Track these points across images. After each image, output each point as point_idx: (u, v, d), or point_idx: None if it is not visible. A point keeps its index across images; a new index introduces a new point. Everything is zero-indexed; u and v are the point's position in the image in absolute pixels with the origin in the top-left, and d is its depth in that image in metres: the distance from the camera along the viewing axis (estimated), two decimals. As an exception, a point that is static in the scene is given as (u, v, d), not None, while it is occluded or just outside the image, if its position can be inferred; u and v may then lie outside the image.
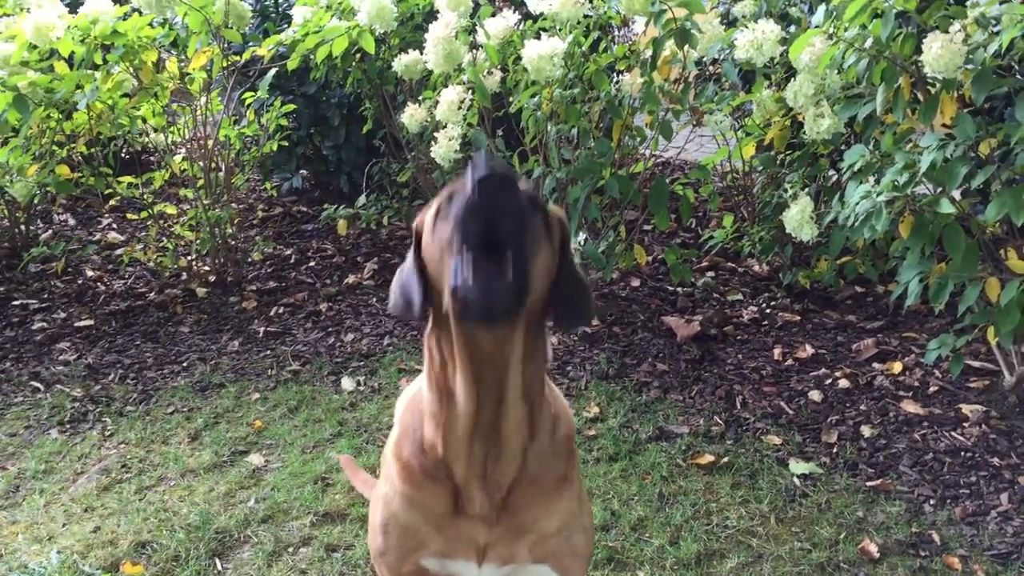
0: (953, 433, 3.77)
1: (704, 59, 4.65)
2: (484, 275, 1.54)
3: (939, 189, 3.46)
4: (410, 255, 1.80)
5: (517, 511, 1.89)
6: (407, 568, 1.98)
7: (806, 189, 4.51)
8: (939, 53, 3.19)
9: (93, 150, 5.48)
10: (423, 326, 1.82)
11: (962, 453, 3.64)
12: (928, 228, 3.51)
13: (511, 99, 4.60)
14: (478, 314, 1.59)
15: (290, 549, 3.19)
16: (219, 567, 3.10)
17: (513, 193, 1.56)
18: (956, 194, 3.50)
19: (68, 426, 4.16)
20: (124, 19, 4.77)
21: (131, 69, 4.95)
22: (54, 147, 5.19)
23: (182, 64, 5.26)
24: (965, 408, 3.93)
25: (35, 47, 4.74)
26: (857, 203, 3.55)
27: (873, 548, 3.09)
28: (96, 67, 4.87)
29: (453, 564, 1.95)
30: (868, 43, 3.52)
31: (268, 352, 4.86)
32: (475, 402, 1.77)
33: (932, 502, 3.37)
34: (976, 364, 4.23)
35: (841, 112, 3.88)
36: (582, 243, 4.39)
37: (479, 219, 1.53)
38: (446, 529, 1.91)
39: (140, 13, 4.76)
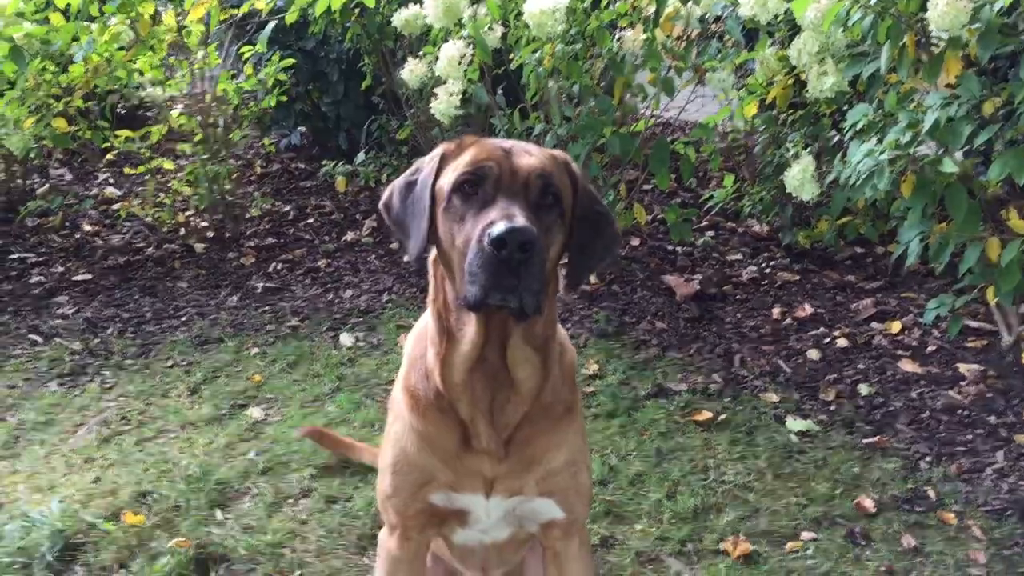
0: (950, 392, 3.79)
1: (707, 16, 4.61)
2: (498, 295, 1.64)
3: (942, 149, 3.45)
4: (425, 184, 1.82)
5: (526, 443, 1.92)
6: (415, 507, 2.00)
7: (808, 148, 4.49)
8: (944, 10, 3.16)
9: (90, 104, 5.44)
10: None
11: (959, 411, 3.66)
12: (930, 188, 3.51)
13: (512, 55, 4.57)
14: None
15: (290, 500, 3.22)
16: (219, 517, 3.12)
17: (529, 252, 1.60)
18: (958, 154, 3.48)
19: (67, 379, 4.16)
20: (121, -31, 4.71)
21: (128, 21, 4.90)
22: (50, 100, 5.15)
23: (179, 17, 5.20)
24: (962, 367, 3.95)
25: (31, -2, 4.69)
26: (859, 162, 3.54)
27: (869, 503, 3.12)
28: (93, 19, 4.82)
29: (461, 498, 1.97)
30: (873, 0, 3.49)
31: (267, 308, 4.86)
32: (479, 351, 1.79)
33: (928, 459, 3.39)
34: (974, 324, 4.25)
35: (845, 70, 3.85)
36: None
37: (492, 274, 1.61)
38: (454, 463, 1.93)
39: (137, -36, 4.70)
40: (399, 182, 1.92)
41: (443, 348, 1.84)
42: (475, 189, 1.73)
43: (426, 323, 1.95)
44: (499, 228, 1.58)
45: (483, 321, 1.76)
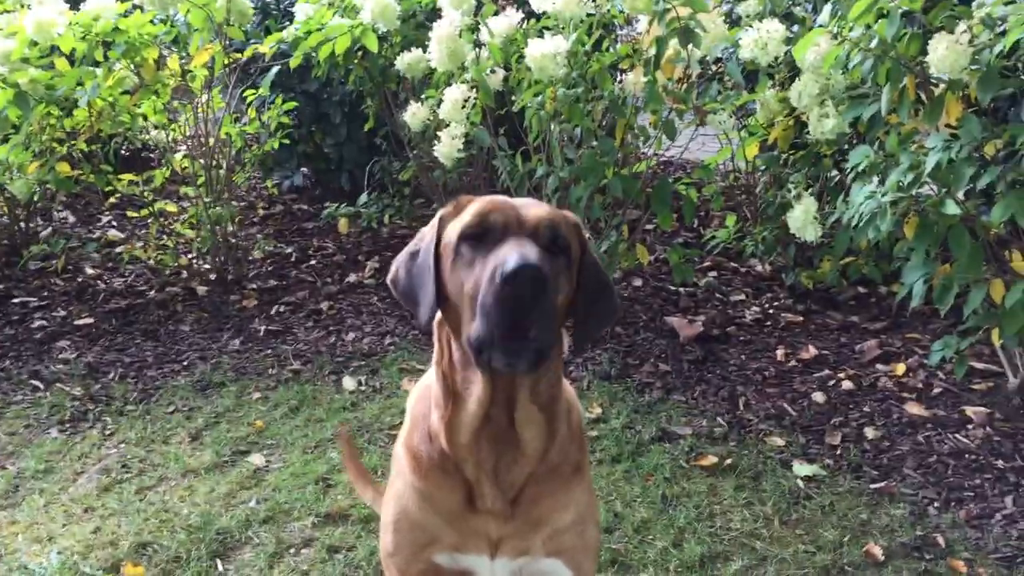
0: (957, 435, 3.76)
1: (708, 58, 4.63)
2: (508, 344, 1.60)
3: (944, 190, 3.44)
4: (428, 250, 1.80)
5: (533, 504, 1.88)
6: (417, 567, 1.97)
7: (809, 189, 4.50)
8: (944, 54, 3.17)
9: (94, 147, 5.46)
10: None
11: (966, 455, 3.63)
12: (933, 229, 3.50)
13: (514, 98, 4.58)
14: (500, 370, 1.65)
15: (292, 550, 3.18)
16: (220, 568, 3.08)
17: (540, 289, 1.57)
18: (961, 195, 3.48)
19: (68, 425, 4.14)
20: (126, 16, 4.75)
21: (132, 66, 4.93)
22: (54, 144, 5.17)
23: (183, 61, 5.24)
24: (969, 410, 3.91)
25: (36, 44, 4.73)
26: (861, 203, 3.54)
27: (878, 551, 3.07)
28: (97, 64, 4.85)
29: (465, 558, 1.94)
30: (873, 43, 3.51)
31: (269, 351, 4.84)
32: (485, 410, 1.77)
33: (936, 505, 3.35)
34: (980, 366, 4.22)
35: (846, 112, 3.86)
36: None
37: (504, 312, 1.57)
38: (458, 523, 1.90)
39: (142, 10, 4.75)
40: (403, 255, 1.89)
41: (448, 411, 1.82)
42: (483, 235, 1.70)
43: (429, 383, 1.93)
44: (512, 261, 1.55)
45: (490, 381, 1.74)
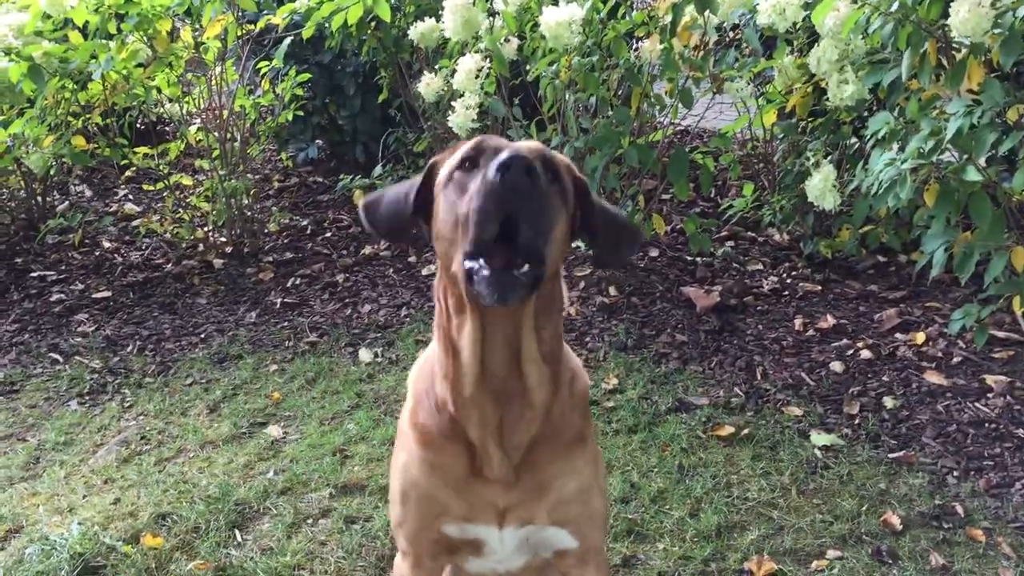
0: (977, 404, 3.73)
1: (724, 25, 4.58)
2: (499, 267, 1.55)
3: (965, 156, 3.39)
4: (414, 183, 1.79)
5: (536, 470, 1.88)
6: (427, 537, 1.98)
7: (828, 157, 4.45)
8: (966, 17, 3.11)
9: (108, 121, 5.45)
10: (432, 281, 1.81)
11: (986, 424, 3.60)
12: (954, 196, 3.45)
13: (528, 67, 4.55)
14: (490, 300, 1.58)
15: (309, 520, 3.20)
16: (239, 538, 3.11)
17: (534, 180, 1.54)
18: (982, 161, 3.43)
19: (87, 398, 4.17)
20: (138, -13, 4.73)
21: (145, 38, 4.92)
22: (69, 118, 5.18)
23: (196, 33, 5.22)
24: (989, 379, 3.88)
25: (49, 17, 4.72)
26: (881, 171, 3.49)
27: (896, 520, 3.06)
28: (110, 37, 4.84)
29: (474, 528, 1.94)
30: (894, 7, 3.44)
31: (285, 323, 4.86)
32: (479, 357, 1.75)
33: (955, 474, 3.33)
34: (1001, 334, 4.17)
35: (866, 78, 3.81)
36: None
37: (496, 210, 1.53)
38: (465, 492, 1.89)
39: (154, -18, 4.72)
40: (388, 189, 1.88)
41: (450, 367, 1.80)
42: (476, 161, 1.67)
43: (428, 356, 1.92)
44: (503, 155, 1.52)
45: (478, 317, 1.70)
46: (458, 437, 1.85)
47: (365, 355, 4.45)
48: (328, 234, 6.06)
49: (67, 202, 6.51)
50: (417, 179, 1.80)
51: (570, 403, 1.91)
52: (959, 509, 3.12)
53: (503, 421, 1.82)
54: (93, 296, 5.23)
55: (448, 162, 1.76)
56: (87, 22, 4.74)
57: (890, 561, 2.90)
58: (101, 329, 4.85)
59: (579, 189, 1.80)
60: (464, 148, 1.72)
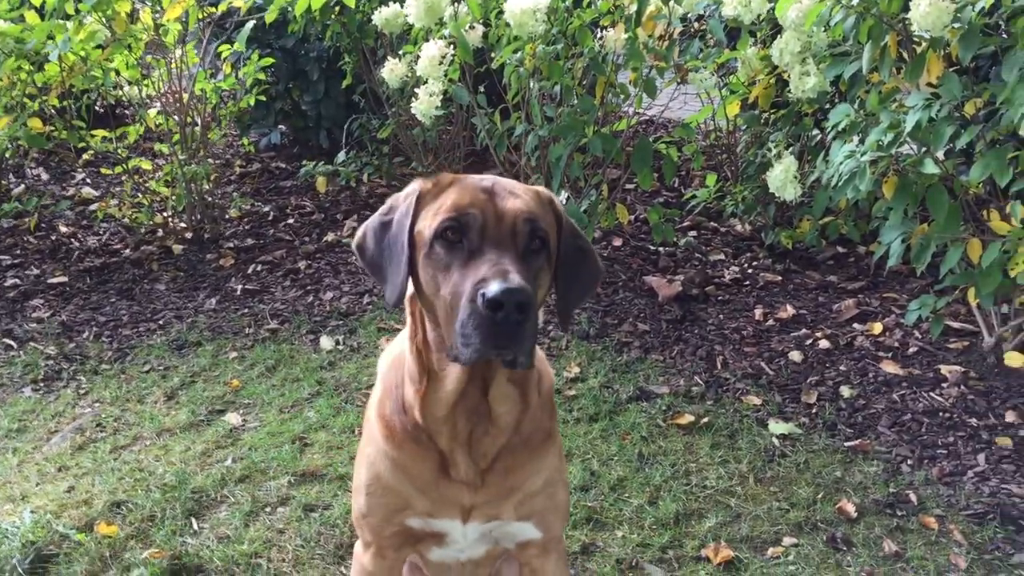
0: (932, 393, 3.78)
1: (689, 15, 4.58)
2: (494, 352, 1.59)
3: (923, 149, 3.43)
4: (401, 234, 1.75)
5: (505, 473, 1.89)
6: (390, 529, 1.98)
7: (790, 148, 4.49)
8: (927, 11, 3.14)
9: (66, 103, 5.36)
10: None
11: (940, 413, 3.65)
12: (912, 188, 3.49)
13: (493, 55, 4.53)
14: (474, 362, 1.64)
15: (267, 509, 3.17)
16: (195, 526, 3.08)
17: (525, 313, 1.54)
18: (940, 154, 3.47)
19: (42, 384, 4.11)
20: (96, -33, 4.64)
21: (104, 20, 4.82)
22: (26, 99, 5.07)
23: (156, 15, 5.13)
24: (944, 369, 3.94)
25: (4, -4, 4.62)
26: (841, 163, 3.53)
27: (851, 508, 3.10)
28: (68, 17, 4.74)
29: (437, 523, 1.94)
30: (855, 0, 3.47)
31: (246, 310, 4.81)
32: (462, 388, 1.76)
33: (910, 462, 3.38)
34: (956, 325, 4.24)
35: (827, 70, 3.83)
36: (564, 202, 4.34)
37: (485, 338, 1.55)
38: (431, 491, 1.90)
39: (112, -39, 4.63)
40: (373, 222, 1.84)
41: (423, 386, 1.80)
42: (459, 237, 1.65)
43: (401, 349, 1.91)
44: (494, 289, 1.52)
45: (469, 367, 1.73)
46: (425, 440, 1.85)
47: (326, 343, 4.42)
48: (290, 220, 6.00)
49: (23, 185, 6.38)
50: (403, 215, 1.76)
51: (539, 405, 1.91)
52: (912, 497, 3.16)
53: (472, 433, 1.82)
54: (49, 281, 5.14)
55: (428, 214, 1.72)
56: (44, 2, 4.64)
57: (844, 548, 2.94)
58: (57, 315, 4.77)
59: (558, 223, 1.80)
60: (446, 211, 1.68)
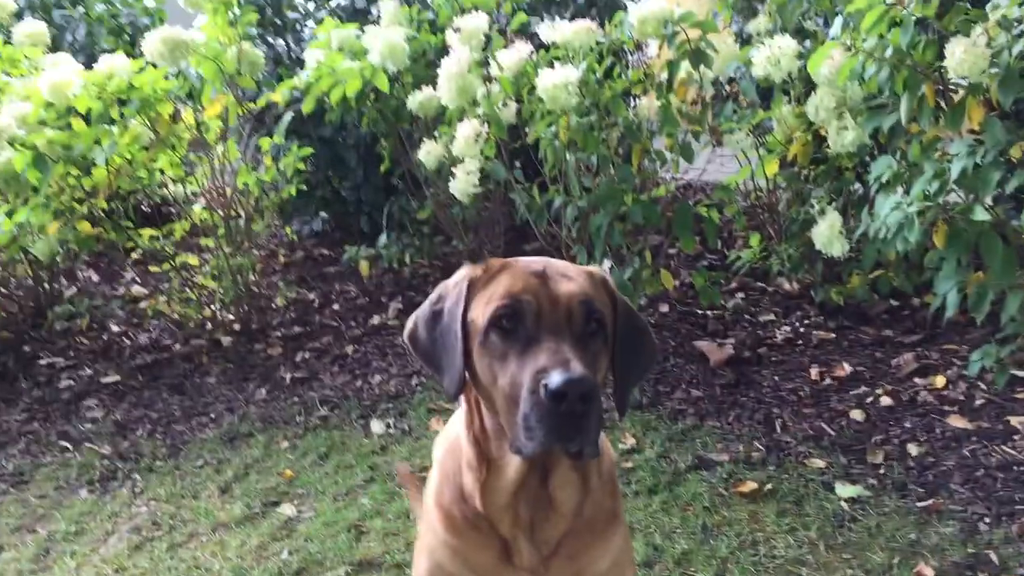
0: (1004, 447, 3.64)
1: (720, 78, 4.60)
2: (559, 444, 1.56)
3: (971, 196, 3.37)
4: (454, 323, 1.73)
5: (569, 558, 1.83)
6: None
7: (833, 203, 4.43)
8: (963, 57, 3.12)
9: (113, 204, 5.47)
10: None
11: (1014, 467, 3.51)
12: (963, 236, 3.43)
13: (527, 130, 4.56)
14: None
15: (326, 601, 3.11)
16: (254, 624, 3.02)
17: (589, 403, 1.52)
18: (989, 200, 3.40)
19: (98, 484, 4.11)
20: (139, 73, 4.78)
21: (147, 122, 4.96)
22: (74, 204, 5.19)
23: (197, 114, 5.26)
24: (1014, 420, 3.80)
25: (51, 105, 4.77)
26: (887, 215, 3.48)
27: (929, 572, 2.96)
28: (112, 122, 4.88)
29: None
30: (888, 52, 3.46)
31: (295, 398, 4.81)
32: (524, 477, 1.73)
33: (987, 520, 3.24)
34: (1022, 374, 4.09)
35: (865, 123, 3.81)
36: (608, 271, 4.30)
37: (550, 430, 1.53)
38: None
39: (155, 66, 4.77)
40: (423, 312, 1.83)
41: (483, 475, 1.77)
42: (514, 324, 1.63)
43: (457, 434, 1.87)
44: (557, 380, 1.49)
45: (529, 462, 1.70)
46: (486, 527, 1.82)
47: (377, 427, 4.39)
48: (335, 306, 6.04)
49: (74, 288, 6.51)
50: (454, 304, 1.75)
51: (600, 487, 1.87)
52: (993, 557, 3.02)
53: (533, 520, 1.79)
54: (102, 381, 5.19)
55: (480, 302, 1.71)
56: (89, 109, 4.78)
57: (927, 615, 2.80)
58: (111, 414, 4.80)
59: (613, 302, 1.78)
60: (499, 299, 1.66)
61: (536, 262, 1.74)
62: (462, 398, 1.81)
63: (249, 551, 3.45)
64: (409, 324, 1.84)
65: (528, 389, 1.54)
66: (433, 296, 1.83)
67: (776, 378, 4.45)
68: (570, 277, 1.70)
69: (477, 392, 1.74)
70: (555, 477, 1.75)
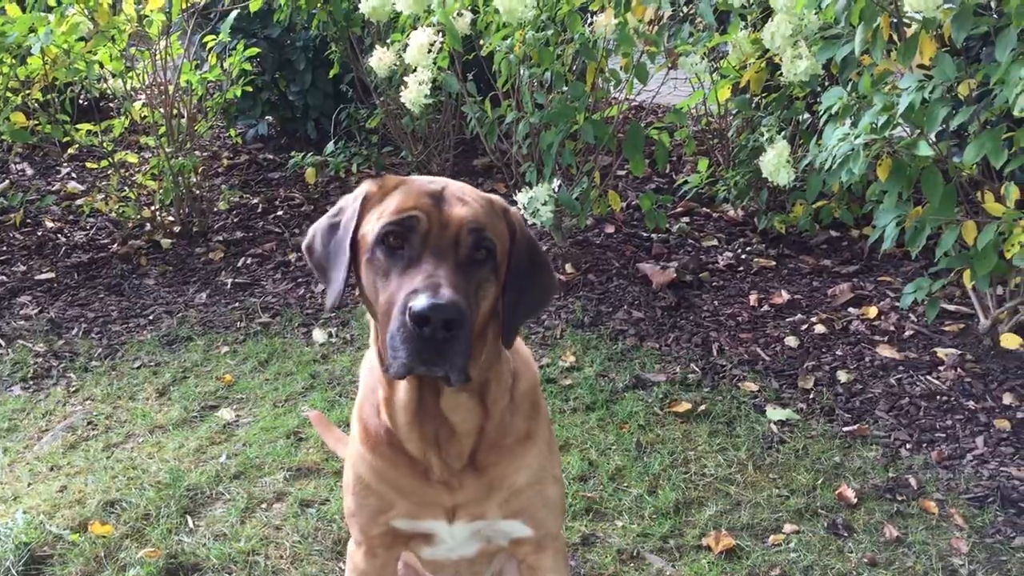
0: (929, 377, 3.77)
1: (679, -1, 4.55)
2: (423, 367, 1.57)
3: (917, 131, 3.41)
4: (345, 238, 1.71)
5: (482, 471, 1.86)
6: (377, 529, 1.96)
7: (782, 132, 4.45)
8: (920, -9, 3.12)
9: (49, 97, 5.28)
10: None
11: (938, 397, 3.64)
12: (906, 171, 3.48)
13: (482, 42, 4.48)
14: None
15: (263, 505, 3.14)
16: (191, 524, 3.04)
17: (454, 330, 1.51)
18: (933, 137, 3.45)
19: (31, 382, 4.06)
20: (77, -42, 4.57)
21: (86, 11, 4.75)
22: (8, 94, 5.00)
23: (139, 6, 5.06)
24: (940, 352, 3.93)
25: (-16, -11, 4.55)
26: (834, 146, 3.50)
27: (850, 493, 3.09)
28: (49, 9, 4.67)
29: (422, 524, 1.93)
30: (848, -19, 3.44)
31: (236, 304, 4.76)
32: (415, 394, 1.74)
33: (908, 446, 3.37)
34: (951, 308, 4.22)
35: (819, 53, 3.80)
36: (556, 190, 4.30)
37: (415, 351, 1.53)
38: (411, 493, 1.88)
39: (94, -48, 4.56)
40: (322, 223, 1.80)
41: (387, 390, 1.79)
42: (400, 242, 1.61)
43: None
44: (421, 303, 1.48)
45: (413, 377, 1.70)
46: (399, 444, 1.83)
47: (319, 336, 4.38)
48: (280, 212, 5.95)
49: (8, 181, 6.31)
50: (348, 219, 1.73)
51: (511, 408, 1.88)
52: (912, 481, 3.16)
53: (439, 438, 1.80)
54: (36, 278, 5.08)
55: (372, 217, 1.68)
56: (25, -5, 4.57)
57: (845, 534, 2.92)
58: (45, 312, 4.71)
59: (512, 234, 1.75)
60: (389, 214, 1.64)
61: (435, 182, 1.70)
62: (367, 315, 1.80)
63: (187, 453, 3.46)
64: (308, 234, 1.82)
65: (398, 309, 1.53)
66: (334, 209, 1.81)
67: (716, 303, 4.52)
68: (466, 202, 1.66)
69: (367, 310, 1.73)
70: (444, 399, 1.76)
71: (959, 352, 3.90)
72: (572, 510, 3.03)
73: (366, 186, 1.75)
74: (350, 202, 1.76)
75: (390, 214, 1.63)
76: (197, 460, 3.42)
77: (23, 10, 4.69)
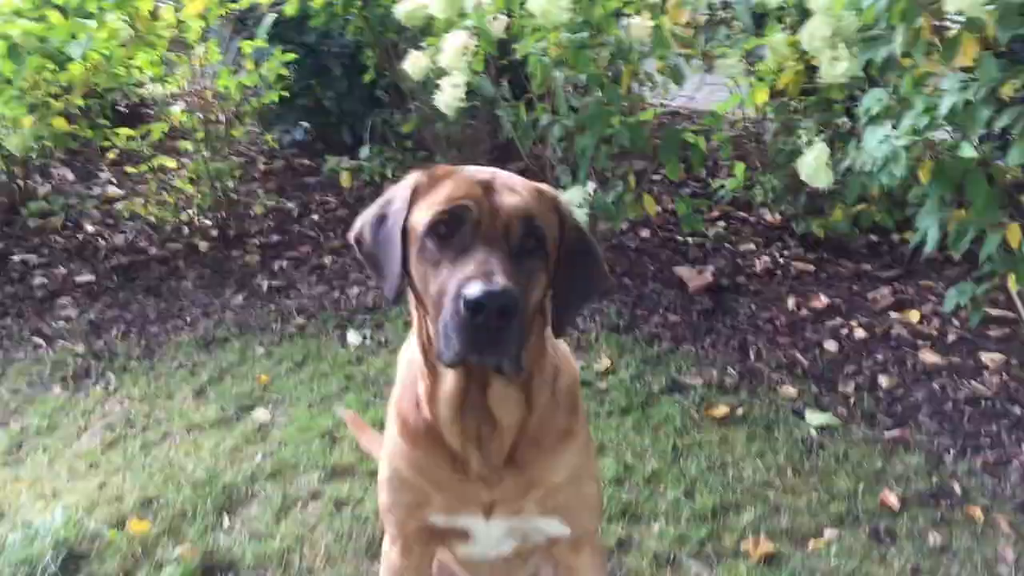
0: (973, 382, 3.71)
1: (715, 2, 4.52)
2: (475, 357, 1.56)
3: (960, 133, 3.36)
4: (395, 229, 1.70)
5: (522, 468, 1.84)
6: (413, 525, 1.95)
7: (820, 135, 4.40)
8: (963, -9, 3.07)
9: (90, 102, 5.34)
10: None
11: (982, 402, 3.58)
12: (948, 173, 3.42)
13: (517, 45, 4.47)
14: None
15: (298, 504, 3.15)
16: (227, 522, 3.06)
17: (507, 318, 1.50)
18: (976, 138, 3.39)
19: (71, 382, 4.09)
20: (118, -35, 4.63)
21: (126, 17, 4.81)
22: (49, 99, 5.06)
23: (178, 12, 5.11)
24: (984, 356, 3.86)
25: (28, -5, 4.61)
26: (875, 148, 3.45)
27: (893, 499, 3.04)
28: (90, 16, 4.73)
29: (459, 519, 1.91)
30: (888, -19, 3.40)
31: (272, 306, 4.79)
32: (462, 386, 1.72)
33: (952, 452, 3.31)
34: (995, 312, 4.15)
35: (859, 55, 3.76)
36: (591, 193, 4.28)
37: (467, 340, 1.52)
38: (448, 488, 1.87)
39: (134, -41, 4.62)
40: (369, 214, 1.79)
41: (430, 383, 1.77)
42: (451, 231, 1.60)
43: (415, 342, 1.87)
44: (475, 291, 1.46)
45: (462, 368, 1.69)
46: (439, 438, 1.82)
47: (353, 337, 4.39)
48: (315, 216, 5.98)
49: (48, 185, 6.39)
50: (398, 210, 1.72)
51: (552, 404, 1.86)
52: (956, 487, 3.10)
53: (480, 432, 1.78)
54: (76, 280, 5.13)
55: (422, 208, 1.67)
56: (66, 1, 4.63)
57: (888, 540, 2.88)
58: (85, 313, 4.76)
59: (562, 223, 1.74)
60: (440, 205, 1.63)
61: (484, 171, 1.70)
62: (411, 306, 1.79)
63: (223, 453, 3.47)
64: (356, 225, 1.81)
65: (450, 297, 1.52)
66: (381, 199, 1.80)
67: (753, 307, 4.48)
68: (516, 191, 1.65)
69: (416, 300, 1.72)
70: (491, 391, 1.74)
71: (1004, 357, 3.83)
72: (608, 513, 3.01)
73: (415, 176, 1.74)
74: (399, 192, 1.75)
75: (440, 203, 1.62)
76: (233, 459, 3.44)
77: (65, 17, 4.75)
